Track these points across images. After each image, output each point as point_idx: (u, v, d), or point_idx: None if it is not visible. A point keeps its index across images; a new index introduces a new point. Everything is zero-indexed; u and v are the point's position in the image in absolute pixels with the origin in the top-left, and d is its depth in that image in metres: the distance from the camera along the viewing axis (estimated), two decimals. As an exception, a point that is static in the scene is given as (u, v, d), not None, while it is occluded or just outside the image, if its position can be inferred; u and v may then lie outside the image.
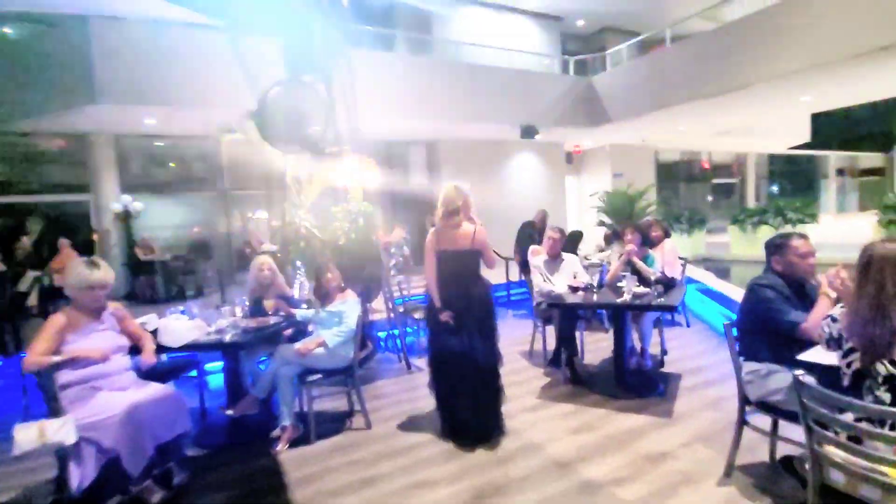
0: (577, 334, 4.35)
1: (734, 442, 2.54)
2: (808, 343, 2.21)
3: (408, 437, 3.23)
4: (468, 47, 11.27)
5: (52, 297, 6.58)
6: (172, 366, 3.46)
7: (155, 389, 2.69)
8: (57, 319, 2.52)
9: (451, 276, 3.19)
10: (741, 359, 2.47)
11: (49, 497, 2.59)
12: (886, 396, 1.63)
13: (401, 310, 5.15)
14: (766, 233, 10.01)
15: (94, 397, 2.47)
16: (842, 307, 1.88)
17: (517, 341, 5.46)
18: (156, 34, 7.06)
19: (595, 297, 3.93)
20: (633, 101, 11.08)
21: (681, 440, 2.97)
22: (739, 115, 12.57)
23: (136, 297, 8.53)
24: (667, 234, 5.05)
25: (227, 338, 3.12)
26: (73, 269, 2.61)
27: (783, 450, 2.65)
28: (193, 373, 3.74)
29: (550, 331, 4.59)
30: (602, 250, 6.48)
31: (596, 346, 5.02)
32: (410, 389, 4.13)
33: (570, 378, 4.10)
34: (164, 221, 9.72)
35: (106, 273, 2.62)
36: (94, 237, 8.91)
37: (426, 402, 3.79)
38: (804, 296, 2.39)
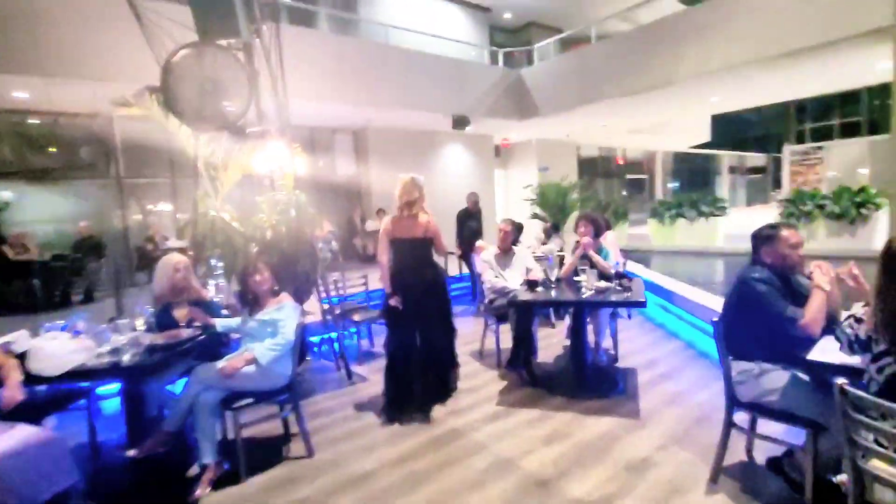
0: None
1: (721, 446, 2.38)
2: (807, 340, 2.08)
3: (359, 463, 2.77)
4: (397, 32, 10.73)
5: None
6: (51, 397, 2.71)
7: (24, 435, 2.03)
8: None
9: (407, 263, 3.44)
10: (729, 358, 2.31)
11: None
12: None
13: (338, 311, 4.62)
14: (683, 225, 10.60)
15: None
16: (864, 306, 1.74)
17: (464, 340, 5.14)
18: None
19: (553, 293, 3.70)
20: (561, 96, 11.22)
21: (656, 443, 2.81)
22: (656, 113, 13.24)
23: (8, 306, 7.10)
24: (607, 227, 4.97)
25: (126, 359, 2.47)
26: None
27: (761, 448, 2.57)
28: (81, 401, 2.99)
29: (502, 329, 4.31)
30: (544, 243, 6.35)
31: (547, 343, 4.84)
32: (355, 403, 3.65)
33: (528, 379, 3.85)
34: (42, 214, 8.24)
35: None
36: (-54, 234, 7.32)
37: (375, 416, 3.36)
38: (790, 289, 2.27)
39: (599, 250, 4.15)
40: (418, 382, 3.42)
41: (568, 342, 4.68)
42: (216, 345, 3.09)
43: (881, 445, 1.50)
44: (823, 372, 2.01)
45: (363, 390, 3.90)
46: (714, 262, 9.39)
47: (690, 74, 9.14)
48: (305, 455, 2.85)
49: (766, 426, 2.42)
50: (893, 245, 1.61)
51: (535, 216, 9.46)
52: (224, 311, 3.84)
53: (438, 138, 12.36)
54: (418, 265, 3.44)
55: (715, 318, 2.34)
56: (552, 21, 14.54)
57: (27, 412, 2.23)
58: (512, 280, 4.35)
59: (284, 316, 2.83)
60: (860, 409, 1.53)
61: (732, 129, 24.53)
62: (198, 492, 2.48)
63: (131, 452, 2.61)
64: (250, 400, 2.66)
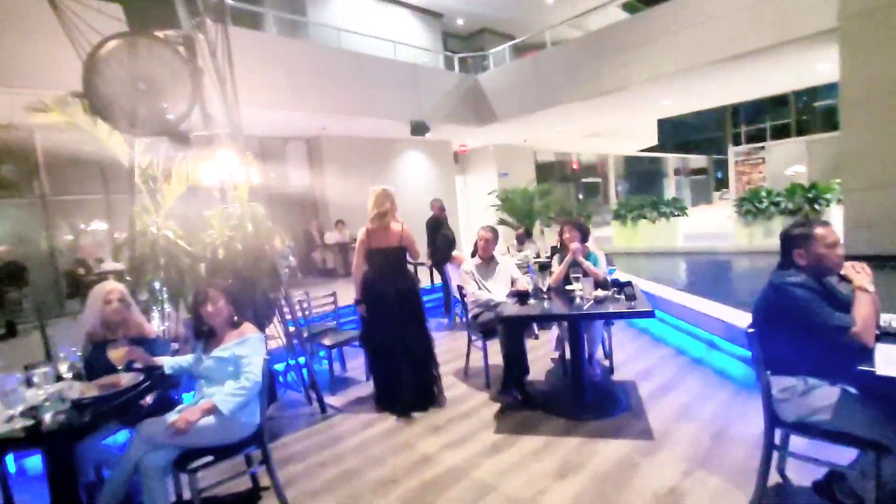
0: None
1: (762, 472, 2.13)
2: (859, 351, 1.86)
3: (347, 521, 2.34)
4: (349, 36, 10.31)
5: None
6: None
7: None
8: None
9: (383, 272, 3.55)
10: (767, 373, 2.07)
11: None
12: None
13: (305, 334, 4.14)
14: (645, 226, 10.71)
15: None
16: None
17: (443, 358, 4.76)
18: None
19: (546, 305, 3.40)
20: (519, 101, 11.13)
21: (679, 467, 2.54)
22: (611, 117, 13.44)
23: None
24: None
25: (48, 421, 1.94)
26: None
27: (794, 468, 2.35)
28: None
29: (489, 346, 3.97)
30: (520, 250, 6.09)
31: (533, 357, 4.45)
32: (332, 442, 3.19)
33: (522, 401, 3.53)
34: (-50, 240, 7.21)
35: None
36: None
37: (356, 455, 2.93)
38: (826, 293, 2.06)
39: (588, 255, 3.90)
40: (405, 384, 3.53)
41: (556, 354, 4.42)
42: (164, 393, 2.56)
43: None
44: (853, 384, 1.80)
45: (340, 425, 3.45)
46: (677, 262, 9.48)
47: (644, 78, 9.25)
48: (281, 516, 2.39)
49: (797, 443, 2.20)
50: None
51: (502, 222, 9.23)
52: (174, 345, 3.32)
53: (396, 146, 11.98)
54: (393, 273, 3.58)
55: (751, 330, 2.09)
56: (504, 28, 14.56)
57: None
58: (496, 292, 4.03)
59: (248, 351, 2.36)
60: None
61: (675, 133, 25.57)
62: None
63: (56, 539, 2.06)
64: (210, 458, 2.18)
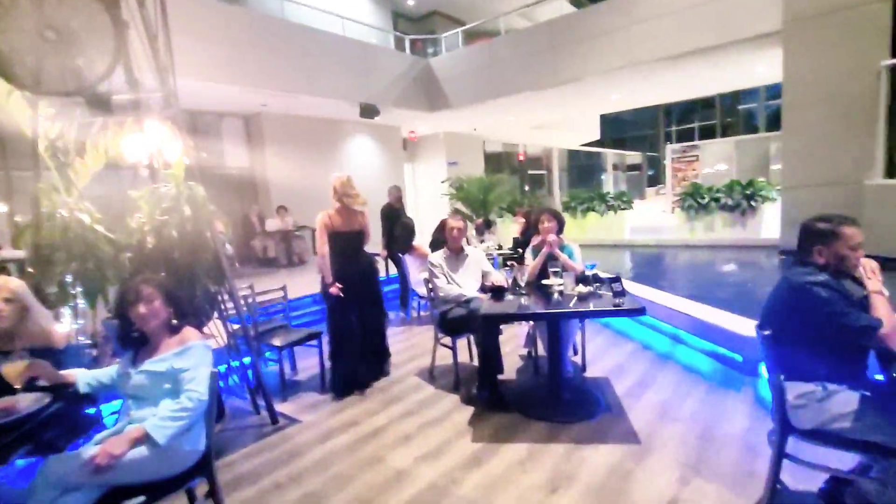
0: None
1: (770, 482, 2.01)
2: (883, 354, 1.75)
3: (314, 559, 1.99)
4: (293, 8, 9.55)
5: None
6: None
7: None
8: None
9: (347, 254, 3.72)
10: (781, 378, 1.93)
11: None
12: None
13: (252, 332, 3.65)
14: (594, 218, 10.85)
15: None
16: None
17: (406, 356, 4.45)
18: None
19: (524, 301, 3.17)
20: (472, 88, 10.89)
21: (674, 474, 2.39)
22: (560, 109, 13.52)
23: None
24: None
25: None
26: None
27: (790, 473, 2.26)
28: None
29: (458, 344, 3.70)
30: (482, 241, 5.85)
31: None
32: (288, 458, 2.79)
33: (496, 402, 3.29)
34: None
35: None
36: None
37: (318, 474, 2.57)
38: (845, 293, 1.94)
39: (562, 248, 3.71)
40: (361, 362, 3.76)
41: (524, 351, 4.24)
42: (76, 416, 2.06)
43: None
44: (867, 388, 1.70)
45: (295, 437, 3.04)
46: (625, 254, 9.67)
47: (597, 70, 9.29)
48: (232, 558, 1.99)
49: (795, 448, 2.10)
50: None
51: (456, 212, 8.96)
52: (90, 352, 2.77)
53: (343, 128, 11.37)
54: (357, 255, 3.79)
55: (766, 332, 1.95)
56: (455, 12, 14.20)
57: None
58: (466, 286, 3.75)
59: (191, 363, 1.92)
60: None
61: (611, 129, 26.47)
62: None
63: None
64: (142, 498, 1.75)
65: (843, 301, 1.81)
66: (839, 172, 6.94)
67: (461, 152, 14.70)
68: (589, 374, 3.79)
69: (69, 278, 3.19)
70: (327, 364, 3.83)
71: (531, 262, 3.64)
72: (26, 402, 1.84)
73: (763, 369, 3.37)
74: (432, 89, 11.42)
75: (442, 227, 5.54)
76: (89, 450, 1.70)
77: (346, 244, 3.70)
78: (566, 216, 11.42)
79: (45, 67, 2.71)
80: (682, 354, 4.05)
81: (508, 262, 5.30)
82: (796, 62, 7.24)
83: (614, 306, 2.84)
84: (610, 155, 29.02)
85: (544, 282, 3.37)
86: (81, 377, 2.02)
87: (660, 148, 32.91)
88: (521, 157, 20.08)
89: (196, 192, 3.11)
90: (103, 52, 2.82)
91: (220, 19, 7.58)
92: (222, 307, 3.43)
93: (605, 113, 19.63)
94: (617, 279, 2.93)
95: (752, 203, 8.81)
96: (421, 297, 5.50)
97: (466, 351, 4.21)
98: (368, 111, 9.98)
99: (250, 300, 3.95)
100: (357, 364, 3.70)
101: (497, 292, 3.36)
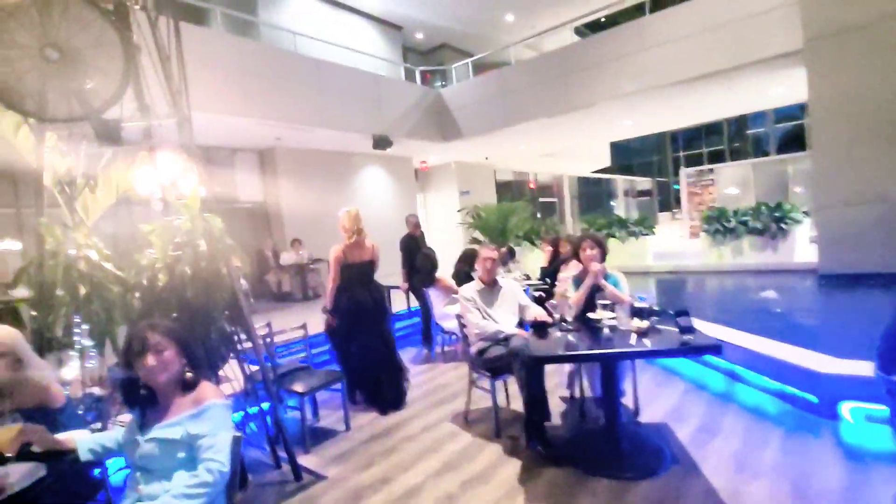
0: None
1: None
2: None
3: None
4: (306, 42, 9.59)
5: None
6: None
7: None
8: None
9: (358, 284, 3.92)
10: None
11: None
12: None
13: (271, 376, 3.33)
14: (614, 244, 10.53)
15: None
16: None
17: (434, 399, 4.08)
18: None
19: (572, 338, 2.83)
20: (485, 117, 10.81)
21: (775, 548, 2.01)
22: (572, 136, 13.41)
23: None
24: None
25: None
26: None
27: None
28: None
29: (497, 387, 3.34)
30: (508, 271, 5.55)
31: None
32: (314, 526, 2.43)
33: (543, 453, 2.92)
34: None
35: None
36: None
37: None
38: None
39: (606, 277, 3.39)
40: (376, 385, 3.91)
41: (566, 393, 3.86)
42: (77, 485, 1.73)
43: None
44: None
45: (321, 498, 2.68)
46: (651, 282, 9.30)
47: (609, 96, 9.17)
48: None
49: None
50: None
51: (474, 241, 8.70)
52: (94, 393, 2.47)
53: (356, 160, 11.28)
54: (368, 285, 3.98)
55: (893, 377, 1.61)
56: (464, 44, 14.33)
57: None
58: (503, 321, 3.43)
59: (209, 428, 1.60)
60: None
61: (619, 156, 26.43)
62: None
63: None
64: None
65: None
66: (874, 190, 6.63)
67: (472, 181, 14.57)
68: (644, 418, 3.41)
69: (77, 319, 2.93)
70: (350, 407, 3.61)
71: (568, 294, 3.31)
72: (18, 475, 1.54)
73: (846, 412, 2.99)
74: (444, 119, 11.36)
75: (465, 257, 5.27)
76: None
77: (360, 273, 3.93)
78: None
79: (49, 90, 2.51)
80: (743, 394, 3.65)
81: (536, 293, 5.00)
82: (821, 80, 7.04)
83: (682, 344, 2.50)
84: (620, 181, 28.91)
85: (591, 315, 3.04)
86: (82, 443, 1.70)
87: (667, 174, 32.82)
88: (532, 185, 19.96)
89: (212, 225, 2.85)
90: (111, 74, 2.62)
91: (234, 53, 7.56)
92: (238, 347, 3.13)
93: (616, 140, 19.64)
94: (685, 313, 2.60)
95: (782, 226, 8.46)
96: (445, 332, 5.16)
97: (502, 392, 3.84)
98: (381, 142, 9.88)
99: (268, 339, 3.65)
100: (378, 386, 3.91)
101: (540, 328, 3.03)
